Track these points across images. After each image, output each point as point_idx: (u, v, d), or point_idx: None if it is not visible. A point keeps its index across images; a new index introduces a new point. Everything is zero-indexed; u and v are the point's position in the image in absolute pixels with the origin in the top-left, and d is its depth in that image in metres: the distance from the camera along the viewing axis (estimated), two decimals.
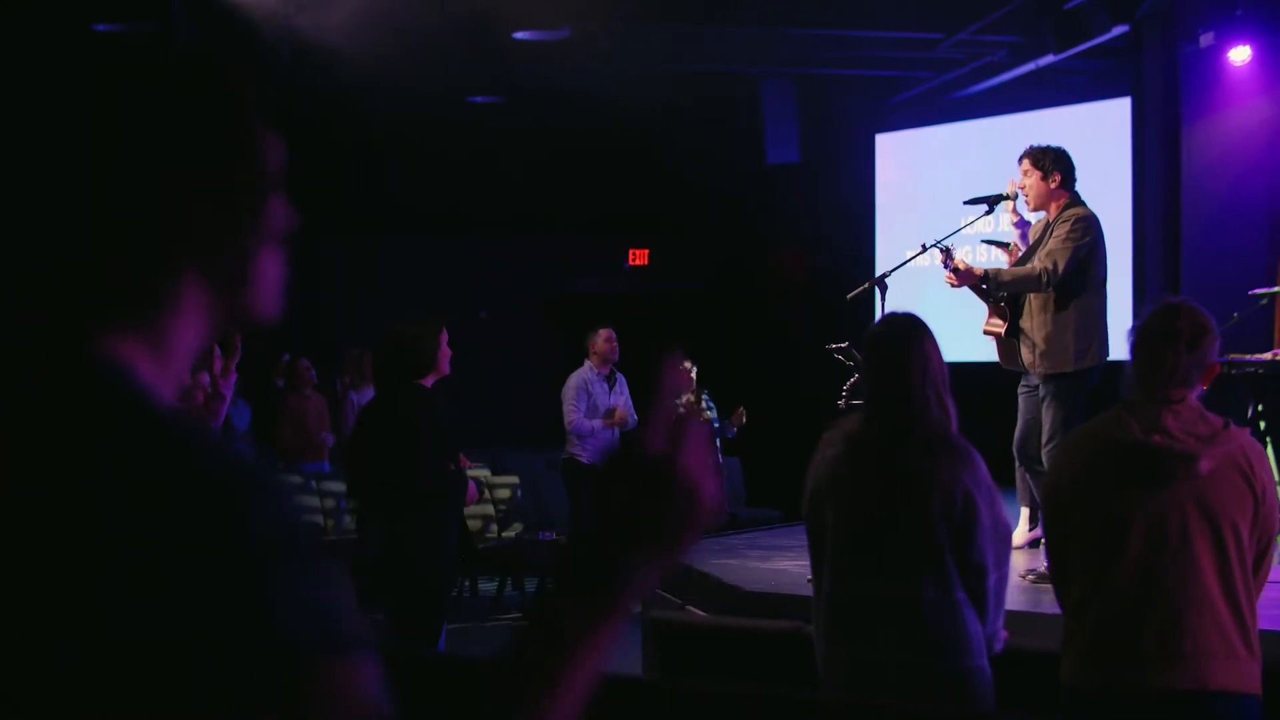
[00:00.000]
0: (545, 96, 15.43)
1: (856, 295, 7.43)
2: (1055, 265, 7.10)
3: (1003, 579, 3.98)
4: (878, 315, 7.94)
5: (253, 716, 1.24)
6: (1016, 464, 7.64)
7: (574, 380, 11.08)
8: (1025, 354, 7.29)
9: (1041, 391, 7.30)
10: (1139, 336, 3.86)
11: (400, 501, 6.08)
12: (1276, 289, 10.82)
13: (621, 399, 11.19)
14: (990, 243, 8.32)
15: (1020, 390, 7.50)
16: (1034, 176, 7.34)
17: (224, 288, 1.46)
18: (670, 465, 1.38)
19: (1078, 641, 3.77)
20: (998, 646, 4.03)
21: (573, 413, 10.93)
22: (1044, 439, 7.27)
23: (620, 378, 11.30)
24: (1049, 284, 7.13)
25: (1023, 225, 7.91)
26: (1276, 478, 10.26)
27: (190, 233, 1.42)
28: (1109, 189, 12.70)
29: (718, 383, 13.94)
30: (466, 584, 12.04)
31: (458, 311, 17.91)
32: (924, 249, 7.45)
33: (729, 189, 16.74)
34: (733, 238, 17.39)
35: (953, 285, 7.51)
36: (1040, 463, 7.31)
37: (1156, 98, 11.61)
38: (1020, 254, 7.64)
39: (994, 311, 7.44)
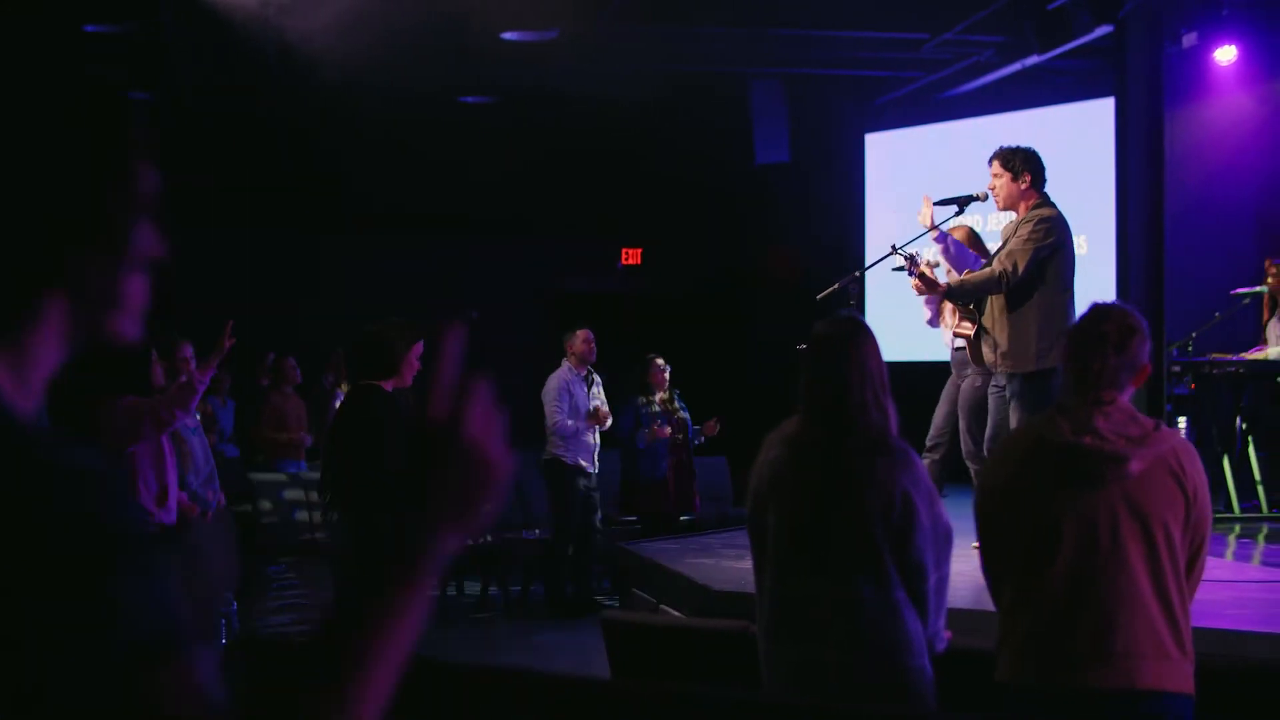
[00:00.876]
0: (536, 97, 15.47)
1: (827, 295, 7.47)
2: (1015, 265, 7.13)
3: (943, 579, 4.00)
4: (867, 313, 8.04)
5: (93, 718, 1.26)
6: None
7: (554, 381, 11.14)
8: (987, 352, 7.33)
9: (1007, 391, 7.33)
10: (1069, 340, 3.89)
11: (364, 500, 6.12)
12: (1259, 288, 10.87)
13: (599, 399, 11.26)
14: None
15: (991, 390, 7.53)
16: (1004, 178, 7.38)
17: (88, 310, 1.47)
18: (454, 433, 1.40)
19: (1011, 641, 3.80)
20: (940, 646, 4.06)
21: (556, 414, 10.99)
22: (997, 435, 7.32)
23: (597, 378, 11.37)
24: (1008, 284, 7.17)
25: (941, 239, 7.98)
26: (1258, 478, 10.35)
27: (57, 258, 1.43)
28: (1096, 188, 12.74)
29: (708, 381, 14.02)
30: (452, 584, 12.07)
31: (450, 310, 18.06)
32: (893, 250, 7.49)
33: (721, 189, 16.79)
34: (725, 238, 17.45)
35: (919, 292, 7.59)
36: None
37: (1140, 97, 11.63)
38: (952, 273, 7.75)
39: (963, 315, 7.50)
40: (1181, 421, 12.01)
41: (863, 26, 13.07)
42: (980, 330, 7.39)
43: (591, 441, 11.17)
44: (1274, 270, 10.93)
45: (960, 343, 7.93)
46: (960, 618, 5.44)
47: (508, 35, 13.41)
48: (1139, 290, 11.75)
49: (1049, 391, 7.27)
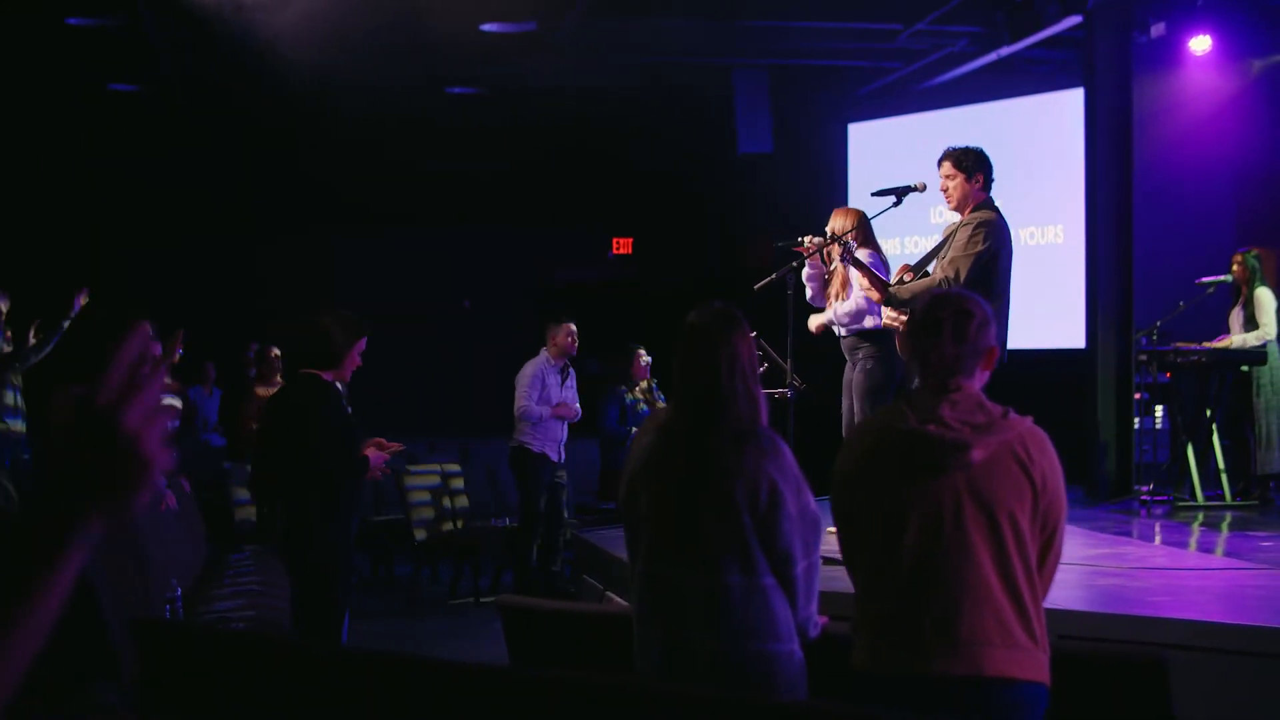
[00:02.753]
0: (522, 89, 15.57)
1: (765, 285, 7.53)
2: (957, 273, 7.16)
3: (813, 566, 4.07)
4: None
5: None
6: None
7: (530, 368, 11.21)
8: None
9: None
10: (910, 330, 3.93)
11: (295, 488, 6.21)
12: (1222, 278, 10.92)
13: (570, 392, 11.33)
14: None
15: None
16: (959, 178, 7.41)
17: None
18: (114, 422, 1.47)
19: (864, 627, 3.84)
20: (812, 632, 4.13)
21: (524, 398, 11.03)
22: None
23: (572, 371, 11.44)
24: None
25: (815, 266, 8.08)
26: (1221, 466, 10.38)
27: None
28: (1075, 177, 12.76)
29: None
30: (426, 571, 12.21)
31: (442, 301, 18.24)
32: (830, 239, 7.58)
33: (705, 179, 16.87)
34: (711, 227, 17.53)
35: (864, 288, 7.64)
36: None
37: (1108, 87, 11.68)
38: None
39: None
40: (1159, 411, 12.10)
41: (838, 17, 13.14)
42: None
43: (559, 433, 11.24)
44: (1239, 260, 11.00)
45: (845, 330, 7.99)
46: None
47: (487, 27, 13.51)
48: (1108, 279, 11.81)
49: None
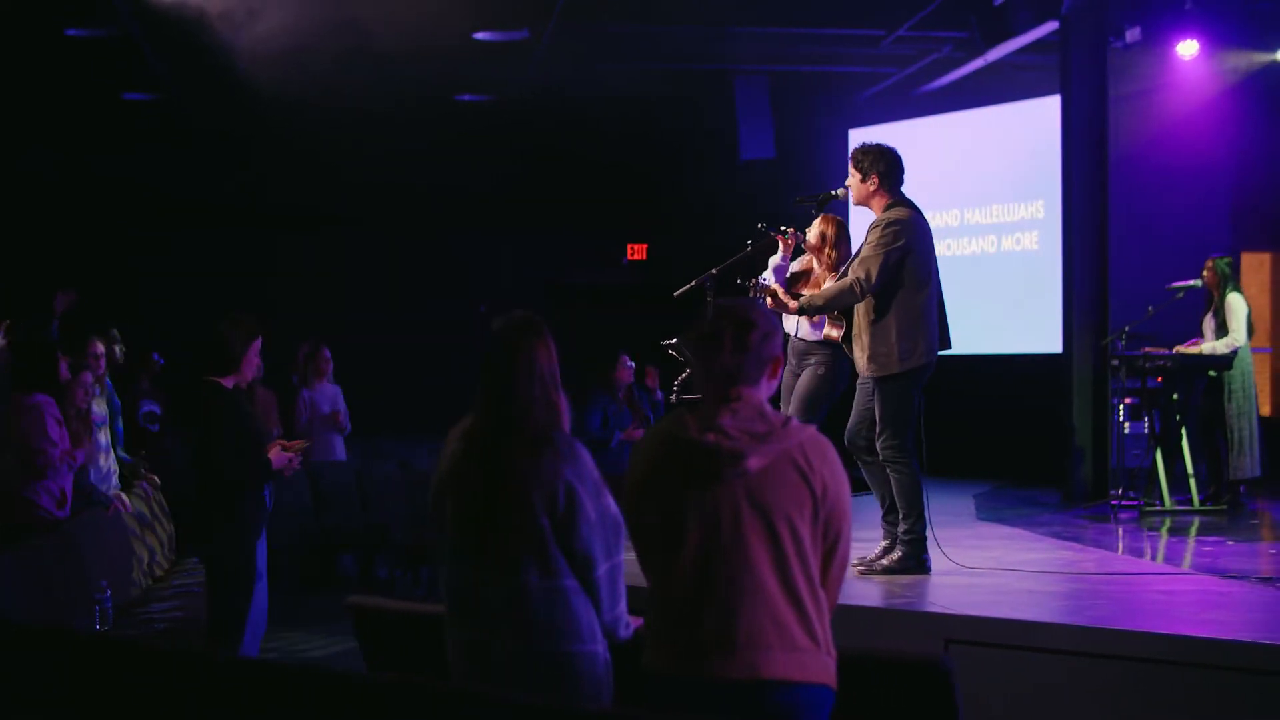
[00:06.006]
0: (528, 96, 15.70)
1: (683, 293, 7.62)
2: (868, 273, 7.21)
3: (616, 567, 4.16)
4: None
5: None
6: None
7: None
8: (857, 357, 7.43)
9: (872, 388, 7.45)
10: (694, 340, 4.00)
11: (200, 491, 6.40)
12: (1192, 282, 10.91)
13: None
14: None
15: (859, 383, 7.64)
16: (855, 178, 7.51)
17: None
18: None
19: (652, 629, 3.94)
20: (623, 632, 4.22)
21: None
22: (877, 433, 7.43)
23: None
24: (864, 293, 7.24)
25: (786, 260, 8.15)
26: (1190, 470, 10.34)
27: None
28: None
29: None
30: (408, 574, 12.37)
31: (458, 304, 18.39)
32: (748, 246, 7.68)
33: (712, 185, 16.94)
34: (722, 233, 17.56)
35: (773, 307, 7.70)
36: (870, 453, 7.51)
37: (1083, 93, 11.69)
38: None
39: (832, 319, 7.64)
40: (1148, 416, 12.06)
41: (824, 23, 13.19)
42: (848, 335, 7.52)
43: None
44: (1210, 266, 10.97)
45: (805, 333, 8.07)
46: None
47: (480, 35, 13.66)
48: (1083, 284, 11.82)
49: (917, 387, 7.40)
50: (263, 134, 15.85)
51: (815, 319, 8.12)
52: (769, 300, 7.47)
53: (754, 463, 3.79)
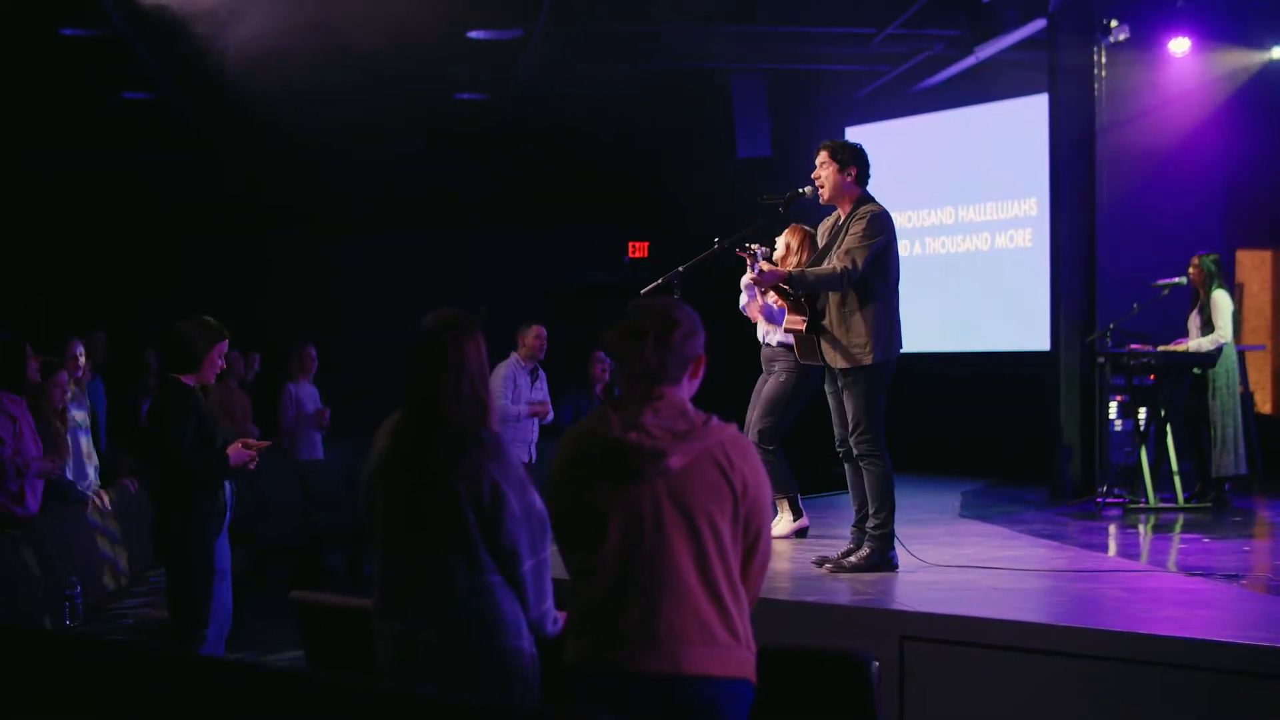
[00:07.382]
0: (527, 95, 15.73)
1: (651, 290, 7.63)
2: (854, 263, 7.21)
3: (542, 563, 4.19)
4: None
5: None
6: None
7: (502, 370, 11.44)
8: (827, 350, 7.42)
9: (840, 383, 7.44)
10: (616, 337, 4.01)
11: (159, 488, 6.45)
12: (1177, 280, 10.89)
13: (541, 393, 11.54)
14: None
15: (828, 391, 7.63)
16: (831, 168, 7.49)
17: None
18: None
19: (574, 623, 3.97)
20: (550, 628, 4.25)
21: (499, 398, 11.25)
22: (850, 428, 7.43)
23: (542, 373, 11.64)
24: (849, 282, 7.24)
25: (752, 288, 8.19)
26: (1174, 468, 10.32)
27: None
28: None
29: (717, 372, 14.15)
30: None
31: (458, 304, 18.40)
32: (715, 244, 7.69)
33: (709, 183, 16.95)
34: (721, 231, 17.57)
35: (757, 285, 7.73)
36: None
37: (1070, 90, 11.68)
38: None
39: (793, 309, 7.61)
40: (1142, 413, 12.05)
41: (816, 22, 13.20)
42: (815, 327, 7.49)
43: (531, 433, 11.49)
44: (1196, 263, 10.96)
45: (776, 339, 8.10)
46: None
47: (474, 34, 13.69)
48: (1070, 281, 11.81)
49: (884, 381, 7.41)
50: (258, 135, 15.88)
51: (745, 301, 8.20)
52: (764, 266, 7.47)
53: (675, 461, 3.82)
